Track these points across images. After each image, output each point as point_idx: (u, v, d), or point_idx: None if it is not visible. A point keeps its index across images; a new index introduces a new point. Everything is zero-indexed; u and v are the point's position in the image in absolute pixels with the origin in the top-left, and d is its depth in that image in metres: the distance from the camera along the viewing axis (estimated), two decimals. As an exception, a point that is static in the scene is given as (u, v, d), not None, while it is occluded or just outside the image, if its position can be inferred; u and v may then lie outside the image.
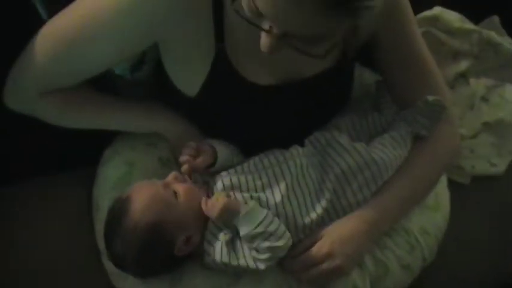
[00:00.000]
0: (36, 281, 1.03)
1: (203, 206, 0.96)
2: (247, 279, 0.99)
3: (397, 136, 1.06)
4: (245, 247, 0.95)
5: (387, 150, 1.03)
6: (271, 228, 0.94)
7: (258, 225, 0.93)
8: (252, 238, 0.93)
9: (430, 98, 1.05)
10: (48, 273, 1.04)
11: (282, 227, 0.95)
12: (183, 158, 1.01)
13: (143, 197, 0.95)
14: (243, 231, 0.94)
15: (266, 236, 0.93)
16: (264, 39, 0.81)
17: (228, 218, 0.95)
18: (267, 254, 0.94)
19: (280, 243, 0.94)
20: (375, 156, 1.01)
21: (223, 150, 1.04)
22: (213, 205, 0.95)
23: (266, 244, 0.93)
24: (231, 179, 1.00)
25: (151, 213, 0.93)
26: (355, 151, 1.02)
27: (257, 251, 0.94)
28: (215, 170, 1.04)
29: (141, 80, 1.11)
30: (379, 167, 1.01)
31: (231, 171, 1.02)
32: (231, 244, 0.96)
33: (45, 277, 1.04)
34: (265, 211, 0.95)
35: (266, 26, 0.79)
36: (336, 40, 0.80)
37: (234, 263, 0.95)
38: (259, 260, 0.94)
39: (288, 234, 0.96)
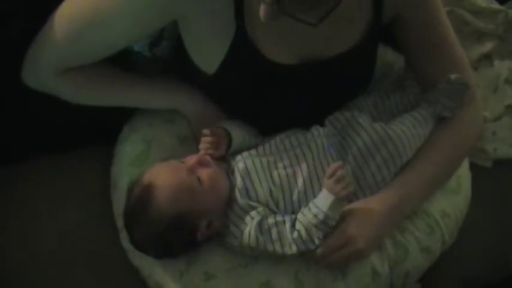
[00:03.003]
0: (53, 256, 1.04)
1: (332, 169, 0.93)
2: (266, 259, 0.99)
3: (418, 115, 1.04)
4: (274, 233, 0.94)
5: (405, 128, 1.02)
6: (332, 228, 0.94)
7: (335, 219, 0.94)
8: (324, 222, 0.93)
9: (453, 76, 1.03)
10: (65, 250, 1.05)
11: None
12: (197, 155, 0.99)
13: (168, 185, 0.94)
14: (331, 214, 0.92)
15: (327, 230, 0.94)
16: (262, 7, 0.81)
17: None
18: (306, 244, 0.94)
19: (320, 242, 0.94)
20: (391, 132, 1.00)
21: (238, 134, 1.03)
22: (346, 186, 0.93)
23: (319, 234, 0.93)
24: (253, 161, 0.99)
25: (177, 203, 0.93)
26: (372, 129, 1.01)
27: (303, 234, 0.93)
28: (230, 153, 1.03)
29: (160, 57, 1.11)
30: (395, 145, 1.00)
31: (253, 152, 1.01)
32: (259, 229, 0.95)
33: (62, 253, 1.04)
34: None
35: None
36: (329, 7, 0.79)
37: (262, 247, 0.95)
38: (296, 247, 0.94)
39: None
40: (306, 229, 0.93)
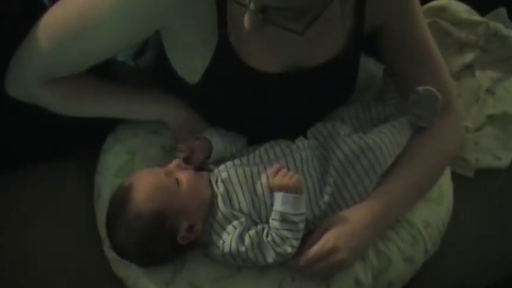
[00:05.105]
0: (35, 268, 1.03)
1: (275, 169, 0.97)
2: (249, 269, 1.00)
3: (396, 123, 1.05)
4: (254, 240, 0.95)
5: (384, 136, 1.02)
6: (301, 226, 0.95)
7: (297, 215, 0.94)
8: (283, 220, 0.94)
9: (421, 88, 1.04)
10: (47, 261, 1.04)
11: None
12: (176, 160, 1.01)
13: (145, 185, 0.95)
14: (284, 209, 0.94)
15: (293, 228, 0.95)
16: (246, 16, 0.82)
17: (289, 192, 0.95)
18: (281, 247, 0.94)
19: (295, 243, 0.95)
20: (370, 141, 1.01)
21: (218, 142, 1.04)
22: (291, 177, 0.95)
23: (288, 234, 0.94)
24: (236, 171, 1.00)
25: (153, 201, 0.93)
26: (351, 140, 1.01)
27: (275, 237, 0.94)
28: (212, 161, 1.04)
29: (143, 67, 1.11)
30: (375, 154, 1.01)
31: (237, 162, 1.02)
32: (240, 239, 0.95)
33: (44, 265, 1.04)
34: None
35: (245, 1, 0.79)
36: (314, 15, 0.80)
37: (244, 256, 0.96)
38: (273, 252, 0.95)
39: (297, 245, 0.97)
40: (275, 232, 0.95)
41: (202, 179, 0.99)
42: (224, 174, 1.00)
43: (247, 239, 0.95)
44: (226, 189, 0.98)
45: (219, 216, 0.97)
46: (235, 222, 0.97)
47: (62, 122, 1.06)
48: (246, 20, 0.82)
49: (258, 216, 0.98)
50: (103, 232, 1.03)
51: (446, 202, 1.14)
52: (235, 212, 0.97)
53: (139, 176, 0.98)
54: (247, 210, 0.98)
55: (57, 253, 1.04)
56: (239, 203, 0.98)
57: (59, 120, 1.06)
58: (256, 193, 0.98)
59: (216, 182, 1.00)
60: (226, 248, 0.96)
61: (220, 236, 0.97)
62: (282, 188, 0.95)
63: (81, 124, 1.07)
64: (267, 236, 0.95)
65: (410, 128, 1.06)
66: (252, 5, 0.79)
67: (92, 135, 1.12)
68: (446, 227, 1.13)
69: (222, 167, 1.02)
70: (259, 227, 0.96)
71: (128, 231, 0.94)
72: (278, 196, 0.95)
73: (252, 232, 0.95)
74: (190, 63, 1.00)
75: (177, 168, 0.98)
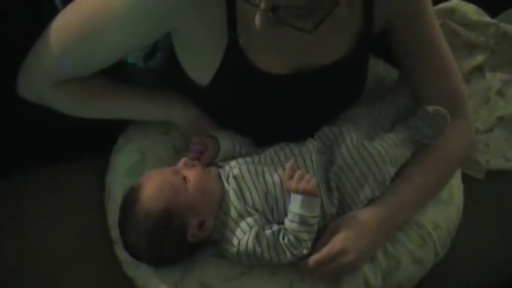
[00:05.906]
0: (46, 269, 1.04)
1: (293, 167, 0.97)
2: (260, 269, 1.00)
3: (399, 135, 1.05)
4: (270, 242, 0.95)
5: (386, 145, 1.02)
6: (316, 228, 0.96)
7: (314, 217, 0.95)
8: (302, 222, 0.95)
9: (430, 108, 1.03)
10: (59, 262, 1.04)
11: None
12: (189, 157, 1.02)
13: (152, 184, 0.96)
14: (303, 211, 0.95)
15: (310, 230, 0.95)
16: (257, 16, 0.82)
17: (307, 195, 0.95)
18: (297, 249, 0.95)
19: (310, 244, 0.96)
20: (370, 148, 1.01)
21: (226, 141, 1.05)
22: (309, 180, 0.95)
23: (305, 236, 0.95)
24: (248, 168, 1.00)
25: (160, 199, 0.94)
26: (353, 147, 1.01)
27: (292, 239, 0.95)
28: (220, 160, 1.05)
29: (154, 69, 1.11)
30: (375, 160, 1.00)
31: (248, 159, 1.02)
32: (256, 239, 0.96)
33: (55, 265, 1.04)
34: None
35: (256, 0, 0.80)
36: (324, 13, 0.81)
37: (259, 256, 0.96)
38: (289, 253, 0.95)
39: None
40: (292, 234, 0.95)
41: (210, 175, 1.00)
42: (236, 171, 1.00)
43: (263, 241, 0.95)
44: (238, 185, 0.99)
45: (233, 212, 0.97)
46: (250, 220, 0.97)
47: (63, 125, 1.07)
48: (257, 19, 0.83)
49: (271, 214, 0.98)
50: (114, 233, 1.03)
51: (456, 203, 1.13)
52: (248, 208, 0.97)
53: (147, 176, 0.99)
54: (260, 207, 0.98)
55: (59, 256, 1.05)
56: (252, 199, 0.98)
57: (60, 122, 1.06)
58: (268, 190, 0.98)
59: (227, 178, 1.00)
60: (243, 247, 0.96)
61: (234, 233, 0.97)
62: (300, 191, 0.95)
63: (83, 127, 1.08)
64: (283, 238, 0.95)
65: (413, 143, 1.06)
66: (262, 4, 0.79)
67: (93, 138, 1.12)
68: (456, 228, 1.13)
69: (233, 163, 1.02)
70: (275, 227, 0.96)
71: (138, 230, 0.95)
72: (296, 198, 0.95)
73: (268, 233, 0.95)
74: (200, 65, 1.01)
75: (184, 166, 0.99)
